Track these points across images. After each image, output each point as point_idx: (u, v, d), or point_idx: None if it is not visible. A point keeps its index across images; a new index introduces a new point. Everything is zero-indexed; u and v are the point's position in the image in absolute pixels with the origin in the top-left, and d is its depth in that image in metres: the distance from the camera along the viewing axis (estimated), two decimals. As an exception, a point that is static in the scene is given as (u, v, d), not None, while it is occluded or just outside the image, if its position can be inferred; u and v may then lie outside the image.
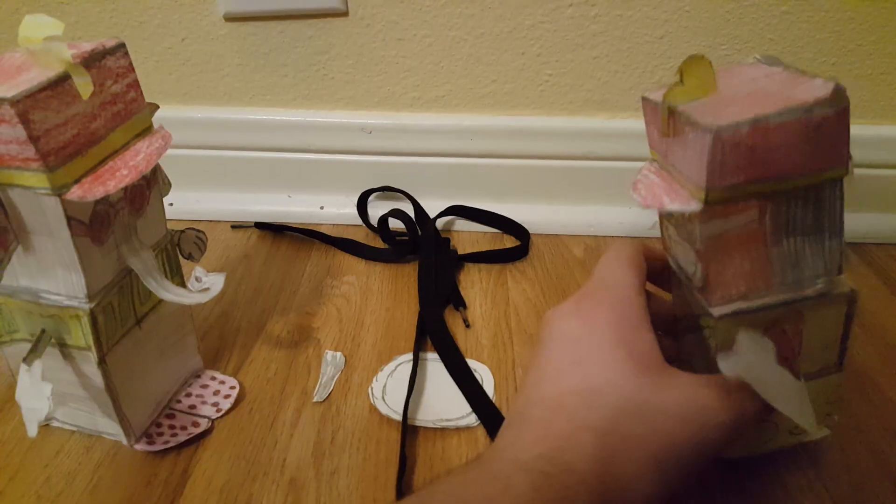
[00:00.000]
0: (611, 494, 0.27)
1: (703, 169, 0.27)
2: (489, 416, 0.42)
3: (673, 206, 0.29)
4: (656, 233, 0.64)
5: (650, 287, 0.37)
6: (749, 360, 0.30)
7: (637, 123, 0.61)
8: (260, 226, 0.64)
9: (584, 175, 0.64)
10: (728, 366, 0.30)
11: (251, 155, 0.65)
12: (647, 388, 0.29)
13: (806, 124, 0.26)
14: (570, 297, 0.35)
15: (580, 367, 0.31)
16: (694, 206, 0.28)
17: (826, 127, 0.27)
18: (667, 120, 0.30)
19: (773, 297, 0.31)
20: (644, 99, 0.33)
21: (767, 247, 0.30)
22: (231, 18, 0.59)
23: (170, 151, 0.35)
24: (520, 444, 0.29)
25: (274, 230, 0.64)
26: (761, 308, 0.31)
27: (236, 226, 0.65)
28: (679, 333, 0.38)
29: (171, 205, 0.65)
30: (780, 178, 0.28)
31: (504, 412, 0.43)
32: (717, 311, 0.31)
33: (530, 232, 0.63)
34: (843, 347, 0.33)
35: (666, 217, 0.35)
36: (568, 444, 0.28)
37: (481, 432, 0.42)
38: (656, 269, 0.37)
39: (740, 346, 0.30)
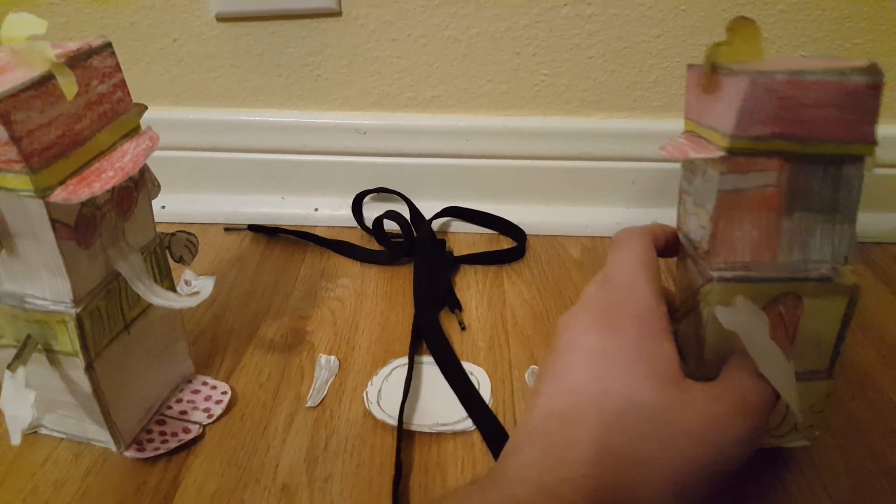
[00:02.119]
0: None
1: (732, 114, 0.27)
2: (485, 420, 0.42)
3: (696, 154, 0.30)
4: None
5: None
6: (745, 320, 0.30)
7: (634, 123, 0.61)
8: (253, 228, 0.64)
9: (580, 175, 0.64)
10: (726, 317, 0.30)
11: (244, 156, 0.65)
12: (667, 407, 0.28)
13: (840, 88, 0.27)
14: (587, 305, 0.34)
15: (601, 382, 0.29)
16: (717, 152, 0.29)
17: (858, 95, 0.27)
18: (708, 75, 0.30)
19: (775, 272, 0.31)
20: (690, 66, 0.33)
21: (779, 217, 0.30)
22: (223, 19, 0.58)
23: (162, 153, 0.35)
24: (541, 465, 0.28)
25: (267, 232, 0.63)
26: (762, 279, 0.31)
27: (229, 228, 0.64)
28: (678, 320, 0.37)
29: (164, 207, 0.65)
30: (806, 139, 0.28)
31: (500, 415, 0.42)
32: (717, 274, 0.31)
33: (527, 233, 0.63)
34: (836, 351, 0.33)
35: (685, 188, 0.35)
36: (589, 470, 0.27)
37: (477, 437, 0.41)
38: (663, 246, 0.36)
39: (738, 305, 0.30)
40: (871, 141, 0.28)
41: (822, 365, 0.33)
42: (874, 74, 0.27)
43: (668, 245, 0.37)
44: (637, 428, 0.28)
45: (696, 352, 0.34)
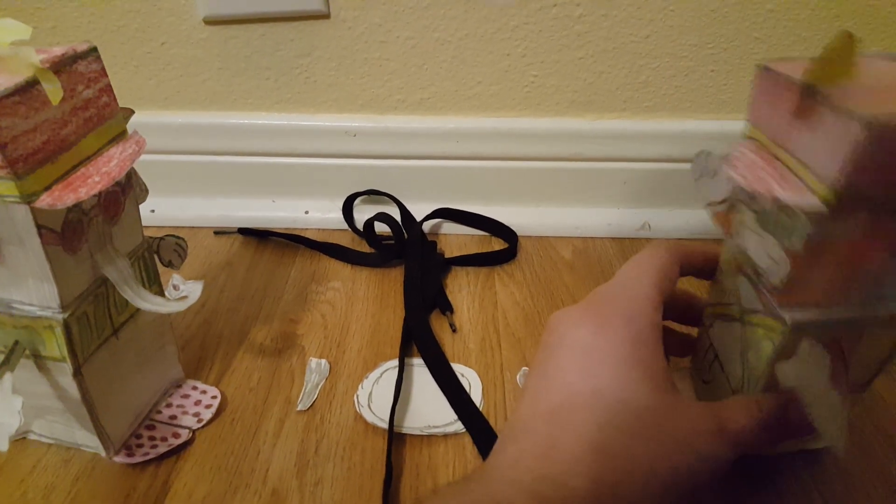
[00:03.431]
0: None
1: (840, 163, 0.24)
2: (474, 422, 0.42)
3: (786, 196, 0.26)
4: (645, 234, 0.63)
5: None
6: (807, 371, 0.29)
7: (624, 124, 0.61)
8: (243, 231, 0.64)
9: (571, 176, 0.64)
10: (786, 373, 0.29)
11: (234, 160, 0.65)
12: (659, 411, 0.28)
13: None
14: (581, 301, 0.33)
15: (591, 380, 0.29)
16: (814, 202, 0.25)
17: None
18: (803, 99, 0.26)
19: (847, 312, 0.29)
20: (765, 69, 0.29)
21: (862, 263, 0.28)
22: (211, 22, 0.58)
23: (151, 157, 0.35)
24: (523, 464, 0.28)
25: (258, 236, 0.63)
26: (831, 322, 0.29)
27: (219, 232, 0.64)
28: (708, 319, 0.37)
29: (153, 211, 0.64)
30: None
31: (492, 417, 0.42)
32: (790, 317, 0.29)
33: (518, 234, 0.63)
34: (879, 370, 0.33)
35: (746, 201, 0.32)
36: (573, 468, 0.27)
37: (468, 439, 0.41)
38: (696, 267, 0.36)
39: (802, 354, 0.29)
40: None
41: (862, 380, 0.33)
42: None
43: (706, 267, 0.36)
44: (627, 427, 0.28)
45: (742, 370, 0.34)
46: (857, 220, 0.26)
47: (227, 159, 0.65)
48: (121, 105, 0.36)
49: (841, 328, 0.30)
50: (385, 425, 0.41)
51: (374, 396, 0.44)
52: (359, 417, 0.43)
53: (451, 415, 0.43)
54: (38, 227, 0.31)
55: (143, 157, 0.35)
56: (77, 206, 0.33)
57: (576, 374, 0.30)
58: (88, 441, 0.39)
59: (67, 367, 0.35)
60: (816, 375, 0.29)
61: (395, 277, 0.57)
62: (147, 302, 0.36)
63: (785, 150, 0.28)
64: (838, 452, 0.35)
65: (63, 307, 0.34)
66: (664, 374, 0.30)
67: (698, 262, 0.36)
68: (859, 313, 0.29)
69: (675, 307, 0.39)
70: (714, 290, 0.37)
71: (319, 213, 0.65)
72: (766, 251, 0.30)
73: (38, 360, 0.36)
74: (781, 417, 0.31)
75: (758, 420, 0.30)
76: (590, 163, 0.63)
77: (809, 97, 0.26)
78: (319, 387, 0.45)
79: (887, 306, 0.29)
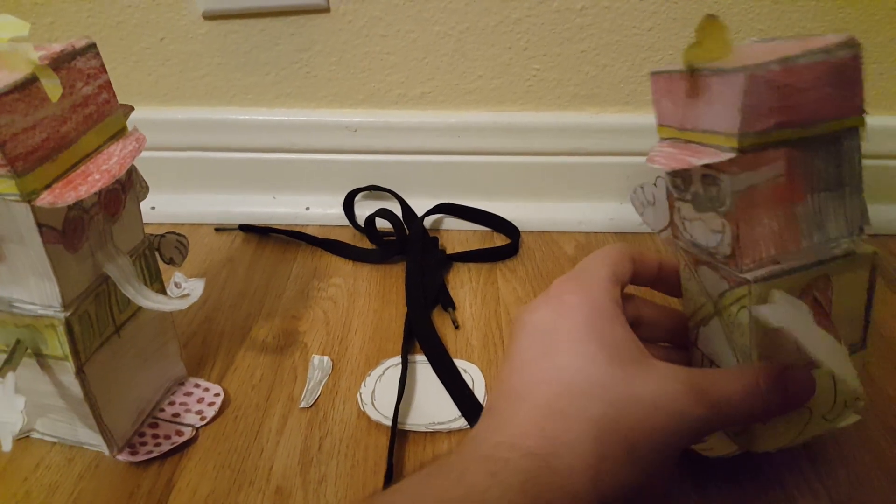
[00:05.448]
0: (577, 478, 0.26)
1: (735, 113, 0.27)
2: (477, 417, 0.42)
3: (700, 160, 0.29)
4: (646, 229, 0.63)
5: (656, 296, 0.38)
6: (787, 313, 0.29)
7: (627, 118, 0.61)
8: (244, 228, 0.63)
9: (573, 171, 0.63)
10: (770, 315, 0.29)
11: (234, 156, 0.64)
12: (619, 376, 0.29)
13: (830, 66, 0.27)
14: (542, 292, 0.35)
15: (550, 356, 0.30)
16: (725, 154, 0.28)
17: (846, 70, 0.27)
18: (691, 79, 0.30)
19: (803, 259, 0.30)
20: (654, 74, 0.33)
21: (793, 204, 0.30)
22: (210, 17, 0.58)
23: (150, 154, 0.34)
24: (481, 437, 0.29)
25: (259, 232, 0.63)
26: (793, 270, 0.30)
27: (220, 228, 0.64)
28: (692, 334, 0.37)
29: (153, 208, 0.64)
30: (806, 123, 0.28)
31: (495, 414, 0.42)
32: (750, 275, 0.30)
33: (520, 229, 0.62)
34: (866, 321, 0.33)
35: (678, 196, 0.34)
36: (532, 430, 0.27)
37: (472, 435, 0.41)
38: (651, 273, 0.37)
39: (776, 300, 0.29)
40: (862, 111, 0.29)
41: (856, 337, 0.34)
42: (855, 46, 0.27)
43: (663, 277, 0.37)
44: (582, 392, 0.28)
45: (735, 358, 0.33)
46: (771, 164, 0.28)
47: (228, 155, 0.64)
48: (119, 101, 0.35)
49: (804, 277, 0.31)
50: (389, 423, 0.41)
51: (377, 394, 0.44)
52: (362, 414, 0.42)
53: (454, 411, 0.43)
54: (39, 225, 0.31)
55: (143, 153, 0.34)
56: (78, 204, 0.33)
57: (536, 353, 0.31)
58: (91, 440, 0.39)
59: (70, 365, 0.35)
60: (800, 317, 0.29)
61: (396, 274, 0.57)
62: (149, 300, 0.36)
63: (691, 130, 0.31)
64: (858, 403, 0.35)
65: (65, 306, 0.33)
66: (626, 343, 0.30)
67: (652, 266, 0.37)
68: (814, 258, 0.30)
69: (673, 330, 0.38)
70: (686, 302, 0.37)
71: (320, 209, 0.65)
72: (710, 229, 0.32)
73: (41, 358, 0.35)
74: (780, 382, 0.30)
75: (752, 385, 0.30)
76: (592, 157, 0.62)
77: (695, 75, 0.29)
78: (322, 384, 0.45)
79: (838, 245, 0.31)
